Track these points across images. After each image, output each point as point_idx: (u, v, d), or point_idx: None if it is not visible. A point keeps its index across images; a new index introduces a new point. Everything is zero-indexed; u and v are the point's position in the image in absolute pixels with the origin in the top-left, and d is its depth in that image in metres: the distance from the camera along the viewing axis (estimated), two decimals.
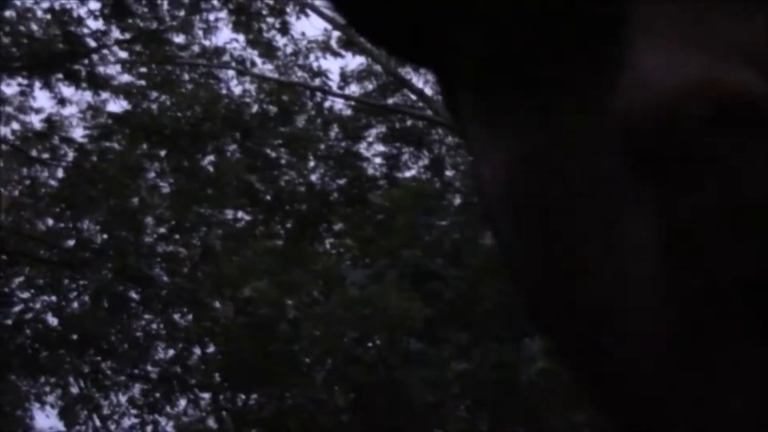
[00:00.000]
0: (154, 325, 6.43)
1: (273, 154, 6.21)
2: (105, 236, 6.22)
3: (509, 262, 0.25)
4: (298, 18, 6.52)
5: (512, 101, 0.24)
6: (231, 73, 6.20)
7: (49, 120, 6.18)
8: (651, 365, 0.22)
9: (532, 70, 0.23)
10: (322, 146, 6.17)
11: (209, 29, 6.11)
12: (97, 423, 6.38)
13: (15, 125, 6.29)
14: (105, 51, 6.08)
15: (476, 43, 0.24)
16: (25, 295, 6.03)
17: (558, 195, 0.23)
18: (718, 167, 0.19)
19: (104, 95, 6.19)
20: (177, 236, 6.22)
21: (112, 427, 6.32)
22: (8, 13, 5.92)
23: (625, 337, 0.22)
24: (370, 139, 6.21)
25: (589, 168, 0.22)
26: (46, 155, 6.24)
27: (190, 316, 6.31)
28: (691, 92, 0.19)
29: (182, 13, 6.12)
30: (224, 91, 6.18)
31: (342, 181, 6.19)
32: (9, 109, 6.20)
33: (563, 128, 0.23)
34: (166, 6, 6.04)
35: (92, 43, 6.01)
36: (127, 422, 6.33)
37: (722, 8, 0.20)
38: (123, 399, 6.29)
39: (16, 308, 6.38)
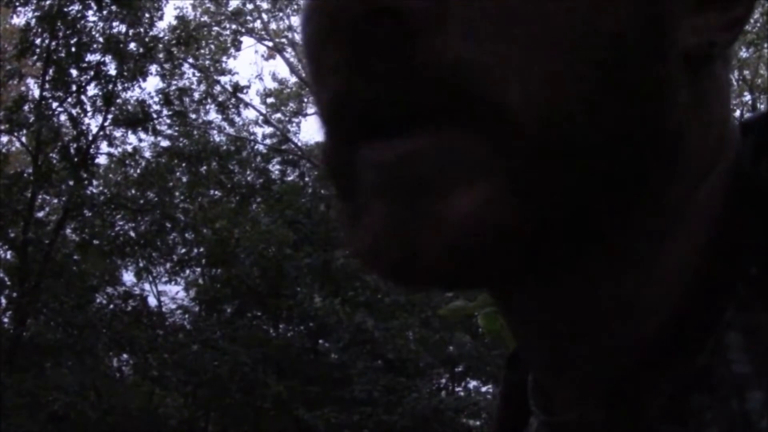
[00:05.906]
0: (174, 235, 14.37)
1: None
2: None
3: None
4: None
5: None
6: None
7: None
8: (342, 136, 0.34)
9: None
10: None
11: None
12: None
13: None
14: None
15: None
16: (119, 215, 13.85)
17: None
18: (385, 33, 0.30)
19: None
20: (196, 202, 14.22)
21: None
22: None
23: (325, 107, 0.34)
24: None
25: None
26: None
27: (193, 235, 14.30)
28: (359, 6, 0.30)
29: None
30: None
31: (261, 180, 14.39)
32: None
33: None
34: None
35: None
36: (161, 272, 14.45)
37: None
38: (162, 270, 14.37)
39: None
